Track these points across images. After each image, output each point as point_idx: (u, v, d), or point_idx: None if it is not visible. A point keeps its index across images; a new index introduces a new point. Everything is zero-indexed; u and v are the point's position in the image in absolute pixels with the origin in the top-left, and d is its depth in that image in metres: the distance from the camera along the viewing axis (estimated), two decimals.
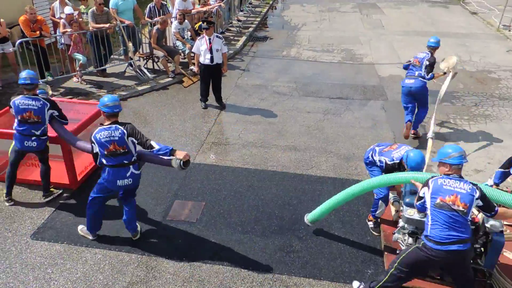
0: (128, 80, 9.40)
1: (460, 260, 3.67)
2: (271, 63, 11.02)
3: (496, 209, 3.72)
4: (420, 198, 3.78)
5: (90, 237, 4.97)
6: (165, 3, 10.85)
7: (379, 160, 4.88)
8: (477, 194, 3.62)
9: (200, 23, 8.15)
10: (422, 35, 13.43)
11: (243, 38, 12.76)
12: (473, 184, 3.69)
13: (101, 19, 9.05)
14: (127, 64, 9.79)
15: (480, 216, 4.26)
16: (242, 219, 5.34)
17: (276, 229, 5.19)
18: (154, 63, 10.01)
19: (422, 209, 3.81)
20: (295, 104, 8.67)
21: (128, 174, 4.53)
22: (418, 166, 4.53)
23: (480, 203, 3.66)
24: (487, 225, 4.08)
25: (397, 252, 4.43)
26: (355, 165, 6.58)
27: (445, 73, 7.15)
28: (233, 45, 12.05)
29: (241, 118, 8.05)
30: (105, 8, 9.13)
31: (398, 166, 4.70)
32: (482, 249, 4.23)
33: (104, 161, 4.49)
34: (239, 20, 14.59)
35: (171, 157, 4.50)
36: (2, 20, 8.28)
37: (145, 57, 9.99)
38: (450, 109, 8.44)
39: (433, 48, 6.99)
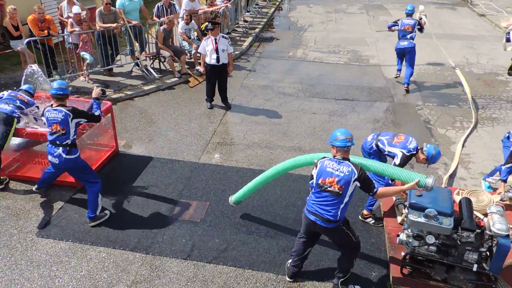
0: (135, 80, 9.44)
1: (326, 232, 4.15)
2: (277, 64, 11.02)
3: (375, 189, 4.00)
4: (312, 177, 4.13)
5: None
6: (173, 2, 10.89)
7: (390, 151, 4.99)
8: (355, 176, 3.89)
9: (206, 23, 8.16)
10: (428, 37, 13.36)
11: (249, 39, 12.77)
12: (354, 166, 3.95)
13: (108, 19, 9.11)
14: (133, 63, 9.83)
15: (486, 220, 4.23)
16: (247, 219, 5.34)
17: (280, 230, 5.18)
18: (161, 63, 10.05)
19: (311, 186, 4.15)
20: (301, 105, 8.66)
21: (55, 154, 4.92)
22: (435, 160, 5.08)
23: (359, 184, 3.94)
24: (493, 229, 4.05)
25: (401, 254, 4.42)
26: None
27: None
28: (239, 46, 12.06)
29: (247, 119, 8.05)
30: (112, 8, 9.18)
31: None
32: (488, 253, 4.20)
33: (48, 136, 5.01)
34: (245, 21, 14.60)
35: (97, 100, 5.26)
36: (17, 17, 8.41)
37: (151, 57, 10.03)
38: (457, 111, 8.39)
39: (412, 14, 9.39)
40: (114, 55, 9.58)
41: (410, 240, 4.39)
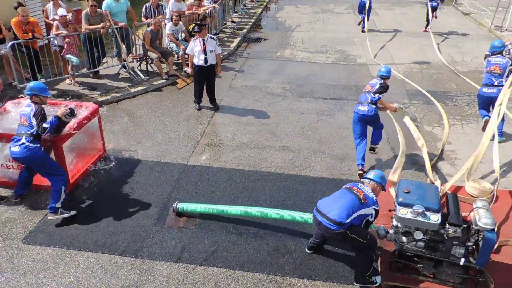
0: (122, 82, 9.37)
1: (327, 234, 4.20)
2: (265, 64, 11.03)
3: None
4: None
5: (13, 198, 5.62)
6: (162, 3, 10.84)
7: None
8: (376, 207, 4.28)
9: (193, 25, 8.13)
10: (414, 36, 13.53)
11: (237, 39, 12.77)
12: (375, 204, 4.28)
13: (94, 20, 9.03)
14: (120, 66, 9.76)
15: (472, 215, 4.28)
16: (236, 220, 5.33)
17: (270, 230, 5.18)
18: (148, 65, 9.99)
19: None
20: (289, 105, 8.68)
21: (19, 143, 5.06)
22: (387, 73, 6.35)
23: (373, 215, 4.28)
24: (479, 223, 4.11)
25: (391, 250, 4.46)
26: (349, 165, 6.60)
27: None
28: (227, 46, 12.05)
29: (235, 119, 8.04)
30: (98, 10, 9.10)
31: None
32: (474, 247, 4.25)
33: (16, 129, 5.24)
34: (233, 22, 14.59)
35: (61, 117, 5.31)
36: None
37: (138, 59, 9.96)
38: (443, 109, 8.48)
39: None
40: (100, 58, 9.49)
41: (399, 237, 4.43)
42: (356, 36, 13.51)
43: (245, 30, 13.82)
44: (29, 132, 5.09)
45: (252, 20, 15.21)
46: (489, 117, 6.82)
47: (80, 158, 6.30)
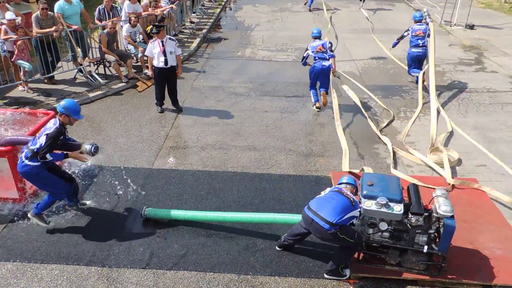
0: (79, 87, 9.05)
1: (318, 233, 4.30)
2: (227, 64, 11.00)
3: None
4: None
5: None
6: (116, 5, 10.56)
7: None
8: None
9: (151, 26, 7.98)
10: (370, 32, 13.91)
11: (197, 40, 12.65)
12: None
13: (46, 24, 8.67)
14: (76, 70, 9.43)
15: (432, 206, 4.46)
16: (205, 222, 5.28)
17: (240, 229, 5.18)
18: (106, 68, 9.71)
19: None
20: (252, 104, 8.71)
21: (21, 157, 4.88)
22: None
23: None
24: (439, 211, 4.28)
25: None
26: (314, 161, 6.70)
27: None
28: (187, 47, 11.92)
29: (199, 121, 7.98)
30: (49, 13, 8.74)
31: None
32: (436, 234, 4.44)
33: None
34: (192, 22, 14.45)
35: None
36: None
37: (95, 62, 9.66)
38: (400, 102, 8.79)
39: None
40: (55, 62, 9.13)
41: (365, 229, 4.55)
42: None
43: (204, 31, 13.72)
44: (30, 147, 4.78)
45: (211, 20, 15.12)
46: (419, 72, 9.18)
47: None
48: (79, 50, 9.24)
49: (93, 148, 5.04)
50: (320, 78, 8.30)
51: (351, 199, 4.31)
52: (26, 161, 4.78)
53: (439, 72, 10.41)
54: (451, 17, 14.63)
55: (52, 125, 4.80)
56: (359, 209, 4.33)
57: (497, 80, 9.96)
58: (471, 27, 14.10)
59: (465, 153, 6.94)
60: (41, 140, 4.72)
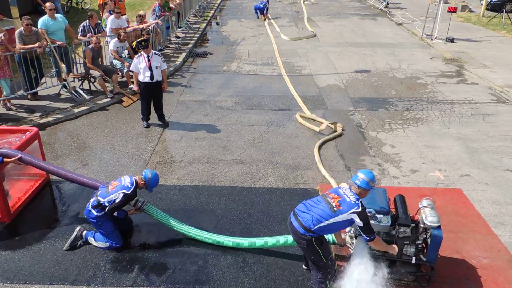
0: (63, 103, 8.95)
1: (294, 236, 4.14)
2: (213, 79, 11.04)
3: (373, 236, 4.06)
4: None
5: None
6: (100, 21, 10.55)
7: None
8: (357, 209, 3.97)
9: (137, 41, 7.97)
10: (354, 46, 14.17)
11: (183, 55, 12.69)
12: (362, 204, 4.04)
13: (29, 40, 8.59)
14: (61, 85, 9.34)
15: (419, 217, 4.49)
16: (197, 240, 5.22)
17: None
18: (91, 84, 9.64)
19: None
20: (239, 118, 8.73)
21: (88, 203, 4.96)
22: None
23: (358, 220, 3.98)
24: (426, 221, 4.32)
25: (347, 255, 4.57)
26: (302, 174, 6.72)
27: None
28: (173, 62, 11.94)
29: (186, 135, 7.95)
30: (33, 29, 8.68)
31: None
32: (423, 245, 4.47)
33: None
34: (177, 37, 14.51)
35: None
36: None
37: (80, 78, 9.59)
38: (385, 114, 8.92)
39: None
40: (38, 78, 9.04)
41: (353, 241, 4.56)
42: (300, 48, 13.91)
43: (190, 45, 13.77)
44: (99, 198, 4.84)
45: (197, 35, 15.20)
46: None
47: (21, 186, 5.93)
48: (63, 65, 9.18)
49: (143, 205, 5.18)
50: None
51: (334, 203, 4.02)
52: (92, 210, 4.84)
53: (421, 84, 10.64)
54: (431, 30, 15.00)
55: (129, 185, 4.87)
56: (351, 211, 3.96)
57: (477, 91, 10.20)
58: (452, 40, 14.47)
59: (449, 164, 7.05)
60: (116, 196, 4.78)
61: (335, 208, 4.02)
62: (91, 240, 5.05)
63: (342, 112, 9.03)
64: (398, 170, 6.90)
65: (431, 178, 6.66)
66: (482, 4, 19.01)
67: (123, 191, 4.80)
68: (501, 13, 17.22)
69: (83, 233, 5.09)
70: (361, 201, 4.07)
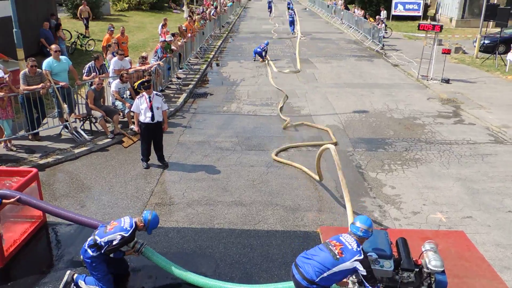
0: (64, 143, 8.99)
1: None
2: (213, 119, 11.15)
3: (377, 286, 4.05)
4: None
5: None
6: (105, 62, 10.79)
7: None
8: (360, 257, 3.97)
9: (139, 82, 8.12)
10: (352, 87, 14.43)
11: (184, 95, 12.89)
12: (364, 251, 4.05)
13: (33, 81, 8.74)
14: (62, 126, 9.42)
15: (422, 261, 4.41)
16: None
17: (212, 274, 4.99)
18: (92, 124, 9.73)
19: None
20: (239, 158, 8.74)
21: (85, 243, 4.87)
22: None
23: (361, 268, 3.96)
24: (430, 266, 4.23)
25: None
26: (302, 216, 6.65)
27: None
28: (173, 103, 12.10)
29: (185, 176, 7.93)
30: (38, 70, 8.86)
31: None
32: None
33: None
34: (178, 78, 14.79)
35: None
36: None
37: (81, 118, 9.69)
38: (384, 155, 8.94)
39: None
40: (40, 119, 9.13)
41: (356, 286, 4.44)
42: (299, 88, 14.16)
43: (191, 86, 14.02)
44: (96, 237, 4.76)
45: (198, 76, 15.51)
46: None
47: (16, 228, 5.84)
48: (65, 106, 9.29)
49: (142, 247, 5.08)
50: None
51: (336, 251, 4.00)
52: (88, 249, 4.77)
53: (419, 125, 10.75)
54: (427, 72, 15.33)
55: (128, 227, 4.79)
56: (354, 258, 3.95)
57: (475, 132, 10.29)
58: (447, 81, 14.76)
59: (451, 205, 7.00)
60: (114, 238, 4.70)
61: (337, 256, 3.98)
62: (81, 283, 4.91)
63: (342, 152, 9.05)
64: (399, 211, 6.84)
65: (432, 220, 6.59)
66: (475, 46, 19.55)
67: (121, 233, 4.73)
68: (494, 55, 17.68)
69: (74, 276, 4.96)
70: (362, 248, 4.03)
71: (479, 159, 8.75)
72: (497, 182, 7.79)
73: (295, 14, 26.65)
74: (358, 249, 4.00)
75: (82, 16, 20.41)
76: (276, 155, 8.74)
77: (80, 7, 20.59)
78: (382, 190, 7.50)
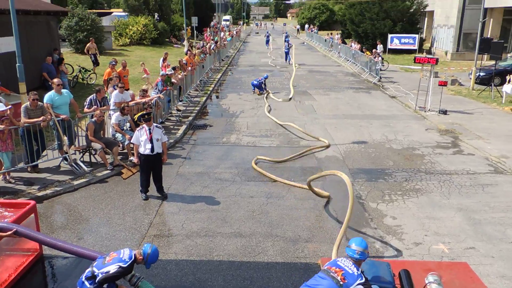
0: (63, 175, 8.97)
1: None
2: (212, 150, 11.18)
3: None
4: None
5: None
6: (106, 95, 10.94)
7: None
8: (361, 281, 3.95)
9: (139, 114, 8.21)
10: (350, 118, 14.56)
11: (183, 127, 12.98)
12: (364, 274, 4.04)
13: (34, 114, 8.83)
14: (61, 158, 9.43)
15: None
16: None
17: None
18: (91, 156, 9.73)
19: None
20: (238, 189, 8.70)
21: (82, 275, 4.81)
22: None
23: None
24: None
25: None
26: (302, 247, 6.55)
27: None
28: (173, 134, 12.17)
29: (184, 207, 7.86)
30: (39, 103, 8.96)
31: None
32: None
33: None
34: (178, 110, 14.95)
35: None
36: None
37: (81, 150, 9.71)
38: (384, 185, 8.91)
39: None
40: (40, 151, 9.15)
41: None
42: (298, 120, 14.26)
43: (190, 118, 14.15)
44: (94, 269, 4.68)
45: (197, 108, 15.68)
46: None
47: (11, 262, 5.73)
48: (65, 138, 9.33)
49: (138, 281, 4.98)
50: None
51: (339, 277, 3.94)
52: (85, 281, 4.71)
53: (418, 155, 10.77)
54: (424, 103, 15.52)
55: (127, 259, 4.73)
56: (357, 283, 3.91)
57: (474, 162, 10.30)
58: (444, 112, 14.92)
59: (453, 236, 6.91)
60: (112, 268, 4.62)
61: (341, 282, 3.93)
62: None
63: (342, 183, 9.01)
64: (401, 242, 6.74)
65: (435, 251, 6.49)
66: (471, 78, 19.88)
67: (120, 264, 4.64)
68: (490, 87, 17.95)
69: None
70: (362, 271, 4.01)
71: (480, 189, 8.71)
72: (499, 212, 7.73)
73: (290, 46, 29.65)
74: (359, 272, 4.01)
75: (90, 53, 20.74)
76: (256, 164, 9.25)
77: (88, 44, 20.94)
78: (383, 220, 7.43)
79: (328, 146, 10.73)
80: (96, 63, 20.63)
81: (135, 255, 4.81)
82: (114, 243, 6.60)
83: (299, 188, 8.67)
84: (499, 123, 13.82)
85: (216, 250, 6.44)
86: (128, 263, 4.69)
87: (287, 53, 29.58)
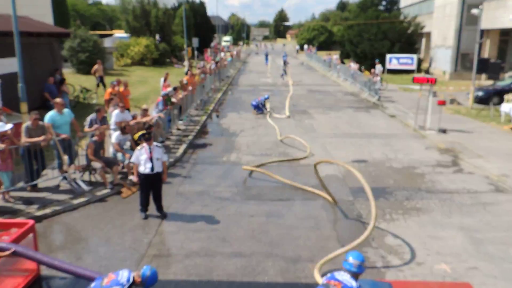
0: (62, 194, 8.94)
1: None
2: (212, 169, 11.17)
3: None
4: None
5: None
6: (106, 115, 10.99)
7: None
8: None
9: (140, 133, 8.24)
10: (350, 137, 14.61)
11: (183, 146, 13.01)
12: None
13: (35, 133, 8.87)
14: (61, 177, 9.41)
15: None
16: None
17: None
18: (92, 175, 9.72)
19: None
20: (238, 208, 8.65)
21: None
22: None
23: None
24: None
25: None
26: (303, 267, 6.47)
27: None
28: (173, 153, 12.19)
29: (184, 227, 7.81)
30: (40, 123, 9.01)
31: None
32: None
33: None
34: (178, 129, 15.00)
35: None
36: None
37: (81, 169, 9.71)
38: (385, 204, 8.87)
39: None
40: (40, 170, 9.14)
41: None
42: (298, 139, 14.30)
43: (191, 137, 14.19)
44: None
45: (198, 127, 15.74)
46: None
47: (8, 284, 5.66)
48: (66, 157, 9.34)
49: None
50: None
51: None
52: None
53: (419, 174, 10.75)
54: (424, 122, 15.58)
55: (125, 282, 4.64)
56: None
57: (475, 181, 10.28)
58: (444, 131, 14.97)
59: (455, 255, 6.84)
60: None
61: None
62: None
63: (342, 202, 8.99)
64: (402, 262, 6.66)
65: (437, 271, 6.41)
66: (469, 98, 20.03)
67: (117, 287, 4.58)
68: (489, 106, 18.06)
69: None
70: (360, 284, 4.09)
71: (481, 208, 8.67)
72: (501, 231, 7.67)
73: (286, 65, 34.45)
74: (357, 284, 4.07)
75: (97, 75, 20.85)
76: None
77: (95, 66, 21.00)
78: (384, 240, 7.36)
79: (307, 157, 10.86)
80: (102, 85, 20.70)
81: (133, 277, 4.75)
82: (113, 263, 6.53)
83: (304, 191, 8.61)
84: (499, 141, 13.85)
85: (215, 270, 6.37)
86: (125, 286, 4.62)
87: (284, 71, 33.45)
